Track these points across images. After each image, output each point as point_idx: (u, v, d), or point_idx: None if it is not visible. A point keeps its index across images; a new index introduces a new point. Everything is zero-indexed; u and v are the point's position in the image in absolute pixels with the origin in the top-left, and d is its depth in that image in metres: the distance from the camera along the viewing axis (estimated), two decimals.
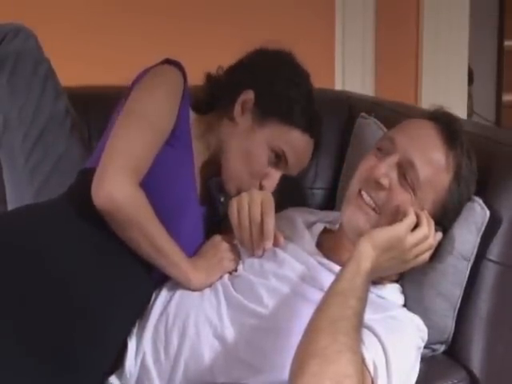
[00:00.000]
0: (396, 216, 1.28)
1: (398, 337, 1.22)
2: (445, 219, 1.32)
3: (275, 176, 1.49)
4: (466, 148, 1.34)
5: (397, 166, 1.32)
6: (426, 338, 1.30)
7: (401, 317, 1.29)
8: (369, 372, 1.13)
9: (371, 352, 1.15)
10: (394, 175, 1.32)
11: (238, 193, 1.47)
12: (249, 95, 1.48)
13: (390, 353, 1.17)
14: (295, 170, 1.53)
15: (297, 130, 1.48)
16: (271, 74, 1.51)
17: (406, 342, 1.24)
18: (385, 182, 1.31)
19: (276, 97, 1.49)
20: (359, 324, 1.13)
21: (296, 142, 1.49)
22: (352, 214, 1.35)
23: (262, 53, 1.55)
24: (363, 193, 1.34)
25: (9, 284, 1.20)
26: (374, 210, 1.32)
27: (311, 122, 1.51)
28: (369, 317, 1.21)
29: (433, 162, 1.31)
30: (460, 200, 1.33)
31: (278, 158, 1.48)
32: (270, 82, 1.50)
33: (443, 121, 1.36)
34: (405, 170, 1.31)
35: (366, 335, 1.17)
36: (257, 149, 1.47)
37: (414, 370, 1.23)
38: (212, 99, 1.54)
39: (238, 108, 1.48)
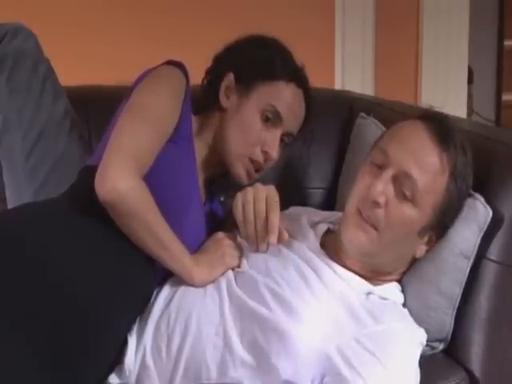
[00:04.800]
0: (396, 230, 1.29)
1: (396, 351, 1.23)
2: (446, 219, 1.32)
3: (274, 136, 1.51)
4: (460, 144, 1.33)
5: (393, 179, 1.31)
6: (424, 342, 1.31)
7: (402, 330, 1.29)
8: None
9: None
10: (391, 190, 1.30)
11: (248, 174, 1.51)
12: (229, 78, 1.52)
13: (390, 369, 1.19)
14: (292, 124, 1.54)
15: (281, 81, 1.51)
16: (243, 48, 1.56)
17: (405, 355, 1.24)
18: (381, 200, 1.30)
19: (252, 62, 1.53)
20: None
21: (283, 93, 1.51)
22: (352, 234, 1.34)
23: (233, 41, 1.58)
24: (362, 212, 1.33)
25: (8, 283, 1.20)
26: (372, 226, 1.32)
27: (294, 72, 1.54)
28: (371, 329, 1.24)
29: (428, 167, 1.30)
30: (459, 197, 1.32)
31: (273, 118, 1.49)
32: (244, 54, 1.54)
33: (433, 121, 1.34)
34: (402, 183, 1.30)
35: (363, 359, 1.19)
36: (248, 116, 1.50)
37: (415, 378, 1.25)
38: (202, 100, 1.57)
39: (222, 95, 1.52)
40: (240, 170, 1.51)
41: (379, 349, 1.21)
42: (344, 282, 1.33)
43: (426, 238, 1.33)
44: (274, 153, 1.51)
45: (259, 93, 1.50)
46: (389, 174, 1.31)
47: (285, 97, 1.51)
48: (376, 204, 1.30)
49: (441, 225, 1.32)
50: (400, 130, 1.37)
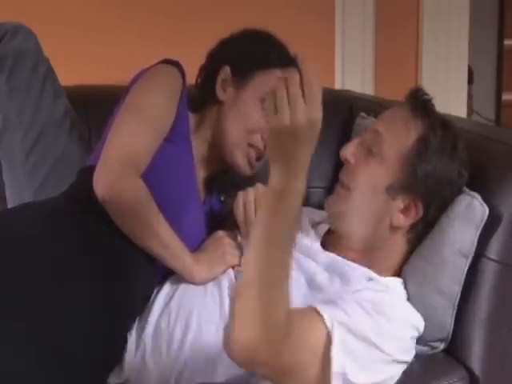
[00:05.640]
0: (364, 185, 1.33)
1: (390, 315, 1.23)
2: (418, 187, 1.33)
3: None
4: (440, 121, 1.36)
5: (363, 142, 1.37)
6: (421, 329, 1.30)
7: (400, 306, 1.29)
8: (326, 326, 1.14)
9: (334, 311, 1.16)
10: (361, 152, 1.37)
11: (249, 163, 1.51)
12: (225, 71, 1.53)
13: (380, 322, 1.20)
14: None
15: (277, 68, 1.52)
16: (238, 41, 1.57)
17: (398, 322, 1.24)
18: (350, 158, 1.37)
19: (248, 53, 1.54)
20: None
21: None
22: (328, 201, 1.41)
23: (227, 36, 1.59)
24: (339, 177, 1.40)
25: (7, 282, 1.20)
26: (345, 187, 1.37)
27: (289, 61, 1.54)
28: (369, 293, 1.25)
29: (394, 125, 1.36)
30: (433, 170, 1.33)
31: None
32: (239, 47, 1.56)
33: (411, 97, 1.39)
34: (370, 142, 1.36)
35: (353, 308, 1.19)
36: (247, 106, 1.50)
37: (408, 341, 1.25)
38: (198, 97, 1.57)
39: (219, 89, 1.53)
40: (240, 159, 1.51)
41: (371, 305, 1.21)
42: (346, 266, 1.33)
43: (399, 202, 1.34)
44: None
45: (256, 82, 1.51)
46: (360, 137, 1.39)
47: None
48: (346, 161, 1.37)
49: (414, 191, 1.32)
50: (384, 111, 1.44)
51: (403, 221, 1.35)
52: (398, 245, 1.38)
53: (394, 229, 1.36)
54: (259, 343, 1.05)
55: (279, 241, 1.06)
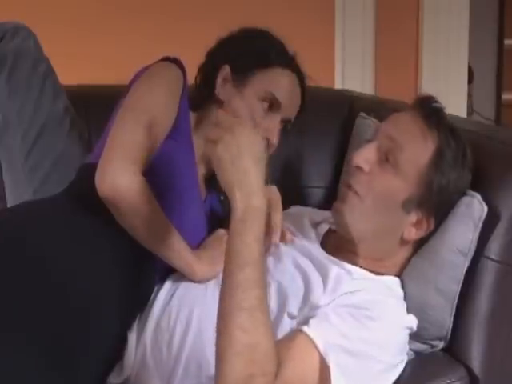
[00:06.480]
0: (378, 197, 1.31)
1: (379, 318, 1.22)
2: (433, 198, 1.32)
3: (274, 122, 1.51)
4: (450, 131, 1.34)
5: (378, 149, 1.34)
6: (414, 327, 1.29)
7: (392, 305, 1.28)
8: (317, 349, 1.14)
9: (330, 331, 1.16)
10: (375, 159, 1.34)
11: None
12: (225, 70, 1.52)
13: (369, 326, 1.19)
14: (291, 110, 1.55)
15: (276, 67, 1.52)
16: (236, 40, 1.56)
17: (388, 325, 1.23)
18: (364, 166, 1.33)
19: (247, 51, 1.53)
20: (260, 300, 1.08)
21: (280, 79, 1.52)
22: (338, 204, 1.37)
23: (226, 35, 1.58)
24: (349, 183, 1.36)
25: (7, 282, 1.20)
26: (356, 194, 1.34)
27: (289, 60, 1.54)
28: (355, 298, 1.23)
29: (412, 137, 1.33)
30: (447, 183, 1.32)
31: (271, 104, 1.50)
32: (238, 45, 1.55)
33: (423, 104, 1.37)
34: (386, 148, 1.33)
35: (341, 318, 1.19)
36: (248, 104, 1.49)
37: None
38: (198, 96, 1.57)
39: (219, 87, 1.52)
40: None
41: (362, 312, 1.20)
42: (343, 270, 1.32)
43: (413, 216, 1.33)
44: (275, 139, 1.51)
45: (256, 80, 1.51)
46: (374, 143, 1.35)
47: (282, 83, 1.52)
48: (359, 169, 1.33)
49: (428, 205, 1.32)
50: (394, 114, 1.41)
51: (414, 235, 1.35)
52: (403, 254, 1.38)
53: (403, 241, 1.36)
54: (250, 379, 1.05)
55: (249, 262, 1.08)
